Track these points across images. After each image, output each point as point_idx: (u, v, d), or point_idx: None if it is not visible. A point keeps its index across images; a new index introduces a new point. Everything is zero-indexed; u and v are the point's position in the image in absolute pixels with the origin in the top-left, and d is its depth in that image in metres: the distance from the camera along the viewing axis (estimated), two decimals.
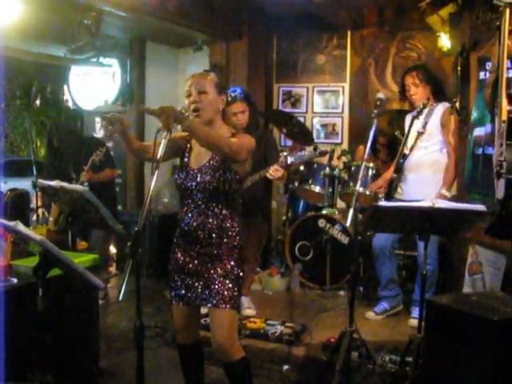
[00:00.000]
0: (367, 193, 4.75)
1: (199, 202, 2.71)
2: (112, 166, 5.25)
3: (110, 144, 5.39)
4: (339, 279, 5.18)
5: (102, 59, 6.50)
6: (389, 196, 4.35)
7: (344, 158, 5.60)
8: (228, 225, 2.72)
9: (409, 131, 4.20)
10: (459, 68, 4.40)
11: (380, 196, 4.54)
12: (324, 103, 6.63)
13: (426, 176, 4.28)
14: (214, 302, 2.66)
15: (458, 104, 4.43)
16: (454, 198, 4.47)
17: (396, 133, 4.80)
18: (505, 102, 3.07)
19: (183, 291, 2.76)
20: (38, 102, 15.38)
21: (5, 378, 2.47)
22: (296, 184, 5.55)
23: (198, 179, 2.69)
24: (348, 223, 3.21)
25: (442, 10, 4.68)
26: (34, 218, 7.04)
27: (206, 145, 2.57)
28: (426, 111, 4.20)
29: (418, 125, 4.19)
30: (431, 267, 4.26)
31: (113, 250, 5.99)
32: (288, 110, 6.58)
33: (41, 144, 16.00)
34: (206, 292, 2.69)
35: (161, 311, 4.63)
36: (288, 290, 5.40)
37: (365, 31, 6.28)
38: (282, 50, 6.75)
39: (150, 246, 5.71)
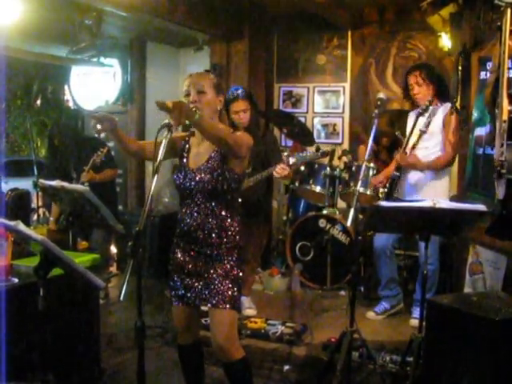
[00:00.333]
0: (368, 193, 4.74)
1: (198, 202, 2.71)
2: (113, 167, 5.25)
3: (111, 144, 5.38)
4: (340, 279, 5.18)
5: (102, 59, 6.52)
6: (389, 195, 4.34)
7: (345, 158, 5.59)
8: (227, 225, 2.72)
9: (412, 129, 4.19)
10: (460, 68, 4.40)
11: (380, 191, 4.50)
12: (325, 103, 6.63)
13: (425, 176, 4.27)
14: (214, 302, 2.66)
15: (458, 104, 4.43)
16: (454, 198, 4.48)
17: (397, 133, 4.80)
18: (506, 101, 3.06)
19: (183, 291, 2.76)
20: (38, 101, 15.39)
21: (6, 378, 2.47)
22: (297, 184, 5.55)
23: (197, 179, 2.69)
24: (349, 223, 3.21)
25: (443, 10, 4.68)
26: (35, 217, 7.04)
27: (213, 138, 2.56)
28: (430, 110, 4.20)
29: (420, 123, 4.18)
30: (432, 267, 4.26)
31: (113, 249, 5.99)
32: (289, 110, 6.58)
33: (41, 144, 16.02)
34: (206, 292, 2.69)
35: (162, 311, 4.63)
36: (289, 290, 5.39)
37: (365, 31, 6.28)
38: (282, 50, 6.75)
39: (150, 246, 5.71)
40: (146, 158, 2.91)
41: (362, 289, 5.19)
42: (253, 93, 4.72)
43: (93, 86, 7.19)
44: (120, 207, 6.63)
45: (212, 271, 2.69)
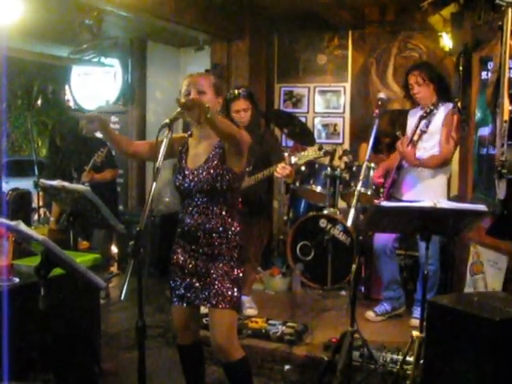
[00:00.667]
0: (369, 193, 4.74)
1: (198, 203, 2.71)
2: (113, 167, 5.26)
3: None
4: (340, 279, 5.17)
5: (103, 59, 6.52)
6: (389, 196, 4.33)
7: (345, 158, 5.59)
8: (228, 225, 2.73)
9: (415, 130, 4.16)
10: (461, 68, 4.39)
11: (381, 190, 4.49)
12: (325, 103, 6.63)
13: (424, 177, 4.25)
14: (214, 302, 2.66)
15: (459, 104, 4.42)
16: (455, 198, 4.47)
17: (397, 133, 4.79)
18: (507, 101, 3.07)
19: (183, 291, 2.77)
20: (39, 101, 15.40)
21: (7, 377, 2.47)
22: (297, 184, 5.55)
23: (196, 179, 2.70)
24: (349, 223, 3.21)
25: (444, 10, 4.67)
26: (36, 217, 7.05)
27: (224, 133, 2.57)
28: (430, 110, 4.18)
29: (421, 124, 4.16)
30: (433, 267, 4.25)
31: (114, 249, 5.99)
32: (289, 110, 6.58)
33: (42, 144, 16.02)
34: (206, 292, 2.70)
35: (162, 311, 4.63)
36: (289, 290, 5.39)
37: (366, 31, 6.28)
38: (283, 49, 6.75)
39: (151, 246, 5.71)
40: (144, 159, 2.92)
41: (363, 289, 5.19)
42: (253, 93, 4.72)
43: (93, 86, 7.20)
44: (121, 207, 6.63)
45: (212, 271, 2.70)
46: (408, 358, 3.22)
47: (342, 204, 5.54)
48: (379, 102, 3.67)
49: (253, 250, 4.48)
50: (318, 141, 6.00)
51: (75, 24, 5.32)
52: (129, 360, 3.73)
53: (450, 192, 5.50)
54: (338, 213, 5.32)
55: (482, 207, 2.92)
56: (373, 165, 4.76)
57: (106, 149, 4.98)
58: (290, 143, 6.36)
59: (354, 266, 3.43)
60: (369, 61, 6.33)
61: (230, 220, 2.74)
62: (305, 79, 6.67)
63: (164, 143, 2.43)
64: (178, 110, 2.60)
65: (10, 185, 7.08)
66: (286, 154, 4.00)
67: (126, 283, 2.16)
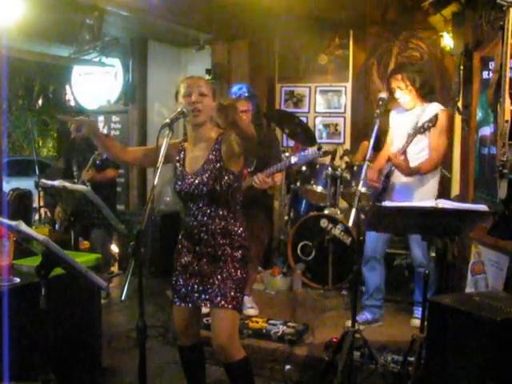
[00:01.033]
0: (370, 192, 4.73)
1: (200, 205, 2.72)
2: (115, 166, 5.25)
3: None
4: (341, 279, 5.18)
5: (104, 59, 6.52)
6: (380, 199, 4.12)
7: (346, 158, 5.60)
8: (231, 226, 2.73)
9: (407, 142, 3.93)
10: (462, 68, 4.38)
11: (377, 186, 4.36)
12: (326, 103, 6.63)
13: (414, 183, 4.12)
14: (216, 301, 2.67)
15: (460, 104, 4.42)
16: (456, 198, 4.47)
17: None
18: (508, 101, 3.07)
19: (186, 291, 2.77)
20: (40, 101, 15.42)
21: (8, 377, 2.47)
22: (298, 184, 5.55)
23: (196, 182, 2.70)
24: (350, 223, 3.20)
25: (445, 10, 4.67)
26: (37, 217, 7.05)
27: (243, 130, 2.56)
28: (416, 111, 4.10)
29: (407, 125, 4.03)
30: (425, 269, 4.18)
31: (115, 249, 5.99)
32: (290, 109, 6.57)
33: (43, 143, 16.04)
34: (209, 292, 2.70)
35: (163, 310, 4.63)
36: (290, 290, 5.39)
37: (367, 31, 6.27)
38: (284, 49, 6.74)
39: (152, 245, 5.71)
40: (142, 165, 2.92)
41: (364, 289, 5.19)
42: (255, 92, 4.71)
43: (94, 86, 7.20)
44: (122, 207, 6.64)
45: (216, 272, 2.70)
46: (409, 358, 3.22)
47: (342, 204, 5.54)
48: (380, 102, 3.65)
49: (253, 250, 4.48)
50: (318, 141, 5.99)
51: (76, 24, 5.32)
52: (129, 360, 3.73)
53: (451, 192, 5.52)
54: (338, 213, 5.32)
55: (483, 207, 2.91)
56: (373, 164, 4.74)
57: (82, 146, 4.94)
58: (291, 143, 6.36)
59: (355, 266, 3.44)
60: (370, 61, 6.32)
61: (233, 221, 2.74)
62: (306, 79, 6.67)
63: (165, 142, 2.43)
64: (179, 109, 2.60)
65: (10, 185, 7.08)
66: (286, 156, 3.99)
67: (127, 283, 2.16)
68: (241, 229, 2.76)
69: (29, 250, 3.12)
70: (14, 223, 2.31)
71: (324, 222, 5.29)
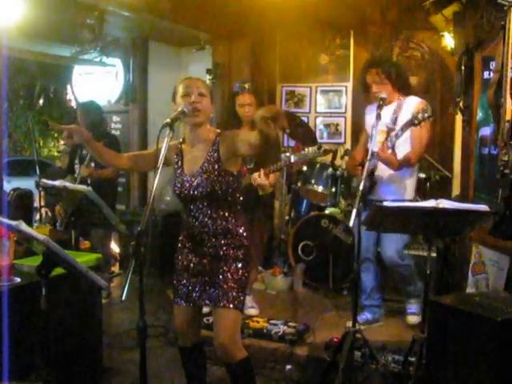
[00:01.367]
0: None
1: (200, 206, 2.71)
2: None
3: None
4: (342, 279, 5.18)
5: (104, 59, 6.52)
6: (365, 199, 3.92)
7: (347, 158, 5.59)
8: (232, 226, 2.73)
9: (396, 135, 3.87)
10: (463, 67, 4.38)
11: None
12: (327, 103, 6.62)
13: (395, 175, 4.03)
14: (218, 301, 2.67)
15: (462, 103, 4.42)
16: (457, 198, 4.46)
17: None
18: (509, 101, 3.06)
19: (187, 291, 2.77)
20: (41, 101, 15.43)
21: (8, 377, 2.47)
22: (299, 184, 5.55)
23: (195, 184, 2.69)
24: (351, 223, 3.20)
25: (446, 10, 4.66)
26: (37, 217, 7.04)
27: (270, 136, 2.54)
28: (394, 106, 4.03)
29: (385, 120, 3.92)
30: (406, 266, 4.16)
31: (116, 249, 5.99)
32: (291, 109, 6.57)
33: (44, 143, 16.04)
34: (210, 292, 2.70)
35: (164, 310, 4.63)
36: (291, 290, 5.39)
37: (368, 30, 6.27)
38: (284, 49, 6.73)
39: (152, 245, 5.71)
40: (140, 170, 2.93)
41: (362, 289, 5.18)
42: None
43: (95, 86, 7.20)
44: (122, 207, 6.64)
45: (217, 271, 2.70)
46: (409, 358, 3.21)
47: (343, 204, 5.54)
48: (381, 102, 3.65)
49: (253, 249, 4.47)
50: (319, 141, 5.98)
51: (77, 24, 5.32)
52: (130, 360, 3.73)
53: (452, 192, 5.52)
54: (339, 213, 5.32)
55: (484, 207, 2.91)
56: None
57: (103, 142, 4.91)
58: (292, 143, 6.35)
59: (355, 266, 3.43)
60: None
61: (234, 221, 2.74)
62: (306, 79, 6.66)
63: (165, 142, 2.44)
64: (179, 109, 2.60)
65: (11, 184, 7.08)
66: (287, 155, 3.98)
67: (128, 283, 2.16)
68: (242, 228, 2.76)
69: (29, 250, 3.11)
70: (14, 223, 2.31)
71: (325, 222, 5.29)
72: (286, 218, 5.98)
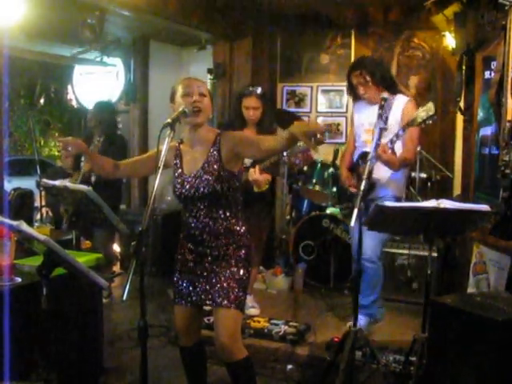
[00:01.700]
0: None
1: (201, 207, 2.71)
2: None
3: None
4: (343, 279, 5.18)
5: (105, 58, 6.52)
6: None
7: None
8: (233, 226, 2.73)
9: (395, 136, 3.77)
10: (464, 67, 4.38)
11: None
12: (328, 103, 6.61)
13: (389, 174, 3.95)
14: (219, 301, 2.67)
15: (462, 103, 4.42)
16: (458, 198, 4.46)
17: None
18: (510, 101, 3.06)
19: (187, 291, 2.77)
20: (41, 101, 15.43)
21: (9, 377, 2.47)
22: (300, 184, 5.54)
23: (196, 185, 2.69)
24: (352, 223, 3.19)
25: (447, 10, 4.67)
26: (38, 217, 7.05)
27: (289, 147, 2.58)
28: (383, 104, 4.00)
29: (374, 120, 3.74)
30: (373, 265, 4.02)
31: (117, 249, 5.99)
32: (292, 109, 6.56)
33: (44, 143, 16.05)
34: (211, 292, 2.70)
35: (165, 310, 4.63)
36: (292, 290, 5.39)
37: (369, 30, 6.26)
38: (285, 49, 6.73)
39: (153, 245, 5.71)
40: (140, 175, 2.93)
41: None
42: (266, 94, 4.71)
43: (96, 86, 7.21)
44: (123, 206, 6.63)
45: (218, 271, 2.70)
46: (410, 358, 3.21)
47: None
48: (382, 102, 3.64)
49: (254, 248, 4.46)
50: None
51: (78, 23, 5.32)
52: (131, 359, 3.74)
53: (453, 192, 5.52)
54: (340, 212, 5.31)
55: (485, 207, 2.91)
56: None
57: (102, 137, 4.89)
58: None
59: (356, 266, 3.43)
60: None
61: (234, 220, 2.74)
62: (307, 78, 6.65)
63: (166, 143, 2.43)
64: (180, 109, 2.59)
65: (12, 184, 7.08)
66: (284, 154, 3.97)
67: (129, 283, 2.16)
68: (243, 228, 2.77)
69: (30, 250, 3.11)
70: (15, 223, 2.31)
71: (326, 222, 5.29)
72: (287, 217, 5.98)
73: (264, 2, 5.80)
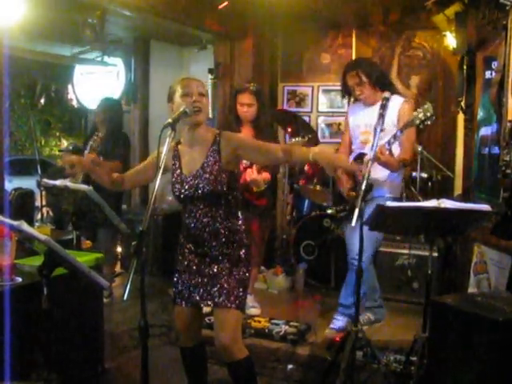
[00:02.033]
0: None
1: (201, 207, 2.71)
2: (120, 161, 5.06)
3: None
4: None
5: (106, 58, 6.53)
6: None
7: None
8: (233, 225, 2.73)
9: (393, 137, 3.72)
10: (465, 67, 4.38)
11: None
12: (329, 102, 6.60)
13: (386, 175, 3.94)
14: (219, 301, 2.67)
15: (463, 103, 4.41)
16: (458, 198, 4.46)
17: None
18: (510, 101, 3.06)
19: (188, 291, 2.77)
20: (42, 100, 15.43)
21: (10, 377, 2.47)
22: (301, 183, 5.54)
23: (195, 185, 2.69)
24: (353, 223, 3.19)
25: (448, 9, 4.67)
26: (39, 216, 7.05)
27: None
28: (378, 106, 3.77)
29: (371, 121, 3.73)
30: (363, 265, 4.00)
31: (118, 248, 5.99)
32: (293, 109, 6.56)
33: (45, 143, 16.05)
34: (212, 292, 2.70)
35: (165, 310, 4.63)
36: (292, 289, 5.39)
37: (370, 30, 6.25)
38: (286, 48, 6.72)
39: (154, 245, 5.71)
40: (142, 184, 2.92)
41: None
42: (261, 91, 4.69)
43: (96, 85, 7.21)
44: (124, 206, 6.64)
45: (218, 271, 2.70)
46: (411, 358, 3.21)
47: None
48: (383, 102, 3.64)
49: (254, 247, 4.46)
50: (321, 140, 5.99)
51: (78, 23, 5.32)
52: (132, 359, 3.74)
53: (454, 192, 5.51)
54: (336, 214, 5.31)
55: (486, 207, 2.91)
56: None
57: (104, 133, 4.85)
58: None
59: (357, 265, 3.42)
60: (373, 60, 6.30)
61: (234, 220, 2.74)
62: (308, 78, 6.65)
63: (166, 144, 2.43)
64: (181, 109, 2.59)
65: (12, 184, 7.09)
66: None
67: (129, 282, 2.15)
68: (243, 228, 2.77)
69: (31, 250, 3.11)
70: (15, 223, 2.31)
71: (327, 222, 5.29)
72: (288, 217, 5.98)
73: (264, 2, 5.80)
